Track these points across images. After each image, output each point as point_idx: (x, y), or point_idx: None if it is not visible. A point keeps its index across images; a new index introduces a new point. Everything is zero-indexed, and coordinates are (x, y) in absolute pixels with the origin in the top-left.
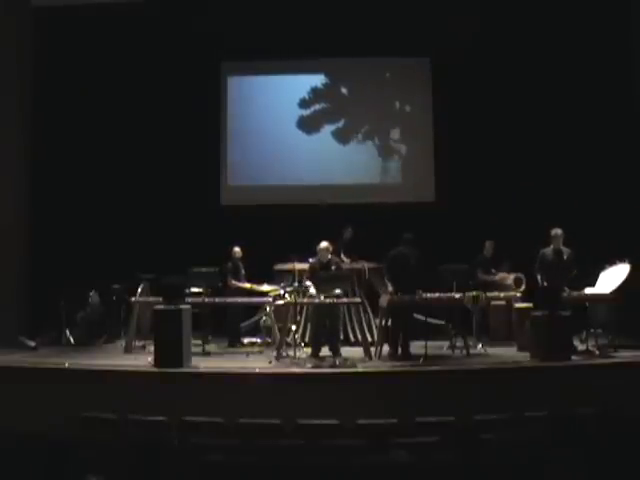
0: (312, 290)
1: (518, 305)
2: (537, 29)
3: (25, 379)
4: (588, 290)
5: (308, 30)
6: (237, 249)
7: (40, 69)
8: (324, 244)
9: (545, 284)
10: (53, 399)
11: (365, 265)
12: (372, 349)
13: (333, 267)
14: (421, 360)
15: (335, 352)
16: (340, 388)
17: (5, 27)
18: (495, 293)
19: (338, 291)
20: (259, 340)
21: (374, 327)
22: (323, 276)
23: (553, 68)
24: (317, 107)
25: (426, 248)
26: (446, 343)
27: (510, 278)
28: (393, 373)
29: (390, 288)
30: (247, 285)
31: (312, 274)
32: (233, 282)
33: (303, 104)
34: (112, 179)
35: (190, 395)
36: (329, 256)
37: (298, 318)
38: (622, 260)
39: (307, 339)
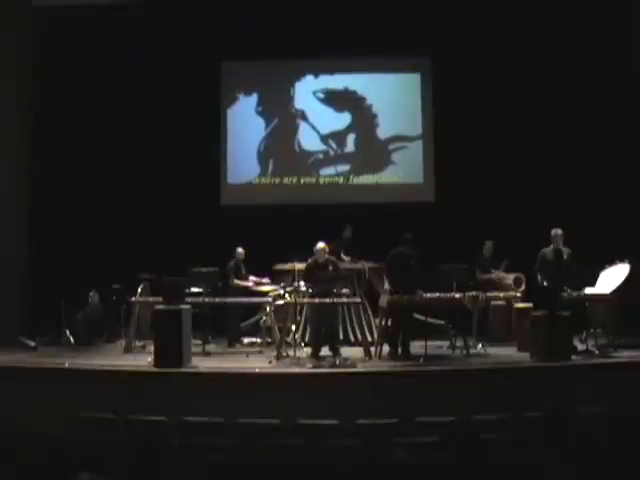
0: (303, 289)
1: (518, 305)
2: (538, 29)
3: (25, 379)
4: (588, 290)
5: (308, 30)
6: (240, 250)
7: (40, 69)
8: (321, 244)
9: (545, 284)
10: (53, 399)
11: (365, 265)
12: (372, 349)
13: (330, 267)
14: (421, 360)
15: (335, 352)
16: (340, 388)
17: (5, 27)
18: (495, 293)
19: (345, 290)
20: (259, 340)
21: (374, 327)
22: (321, 276)
23: (553, 68)
24: (317, 107)
25: (426, 248)
26: (446, 343)
27: (510, 278)
28: (393, 373)
29: (387, 286)
30: (250, 284)
31: (307, 274)
32: (236, 282)
33: (303, 106)
34: (112, 179)
35: (190, 395)
36: (326, 256)
37: (298, 318)
38: (622, 260)
39: (307, 339)
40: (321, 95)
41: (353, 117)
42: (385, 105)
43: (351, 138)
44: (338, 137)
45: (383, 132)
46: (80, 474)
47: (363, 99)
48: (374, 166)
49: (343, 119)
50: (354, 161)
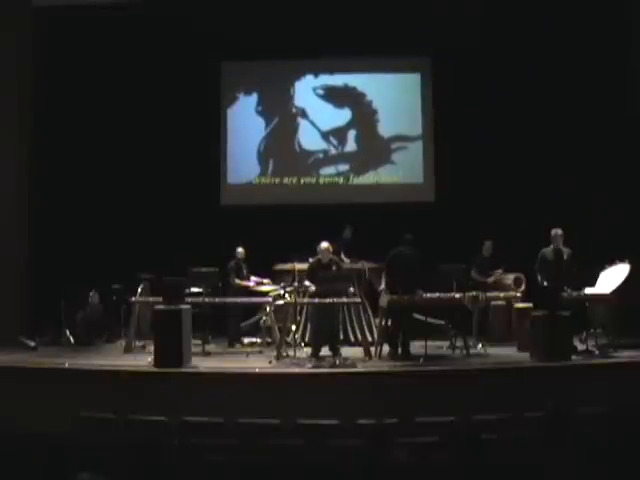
0: (312, 288)
1: (518, 305)
2: (538, 28)
3: (25, 379)
4: (588, 290)
5: (308, 30)
6: (240, 249)
7: (40, 69)
8: (325, 244)
9: (545, 284)
10: (53, 399)
11: (365, 265)
12: (372, 349)
13: (334, 267)
14: (421, 360)
15: (335, 352)
16: (340, 388)
17: (5, 27)
18: (495, 293)
19: (351, 289)
20: (259, 340)
21: (374, 327)
22: (324, 276)
23: (553, 67)
24: (317, 107)
25: (426, 248)
26: (446, 343)
27: (510, 278)
28: (393, 373)
29: (383, 285)
30: (251, 284)
31: (310, 274)
32: (237, 281)
33: (303, 104)
34: (112, 179)
35: (190, 395)
36: (330, 256)
37: (298, 318)
38: (622, 260)
39: (307, 339)
40: (321, 92)
41: (353, 117)
42: (385, 105)
43: (351, 135)
44: (339, 134)
45: (383, 131)
46: (80, 474)
47: (363, 95)
48: (374, 165)
49: (343, 115)
50: (354, 160)
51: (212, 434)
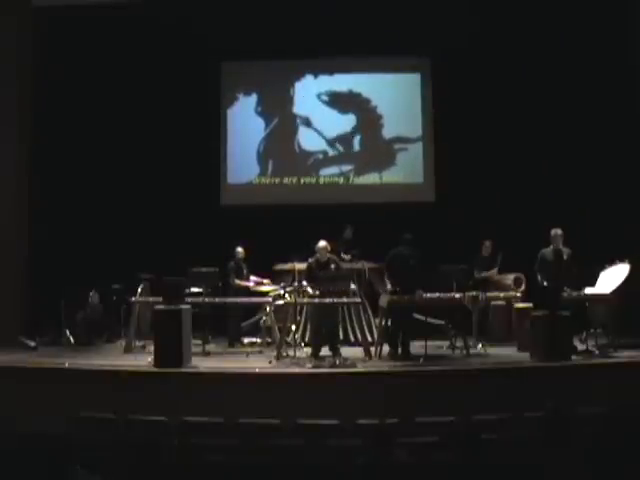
0: (309, 289)
1: (518, 305)
2: (538, 28)
3: (25, 379)
4: (588, 290)
5: (307, 30)
6: (240, 249)
7: (40, 69)
8: (322, 243)
9: (545, 284)
10: (53, 399)
11: (365, 265)
12: (372, 349)
13: (332, 266)
14: (421, 360)
15: (335, 352)
16: (340, 388)
17: (5, 27)
18: (495, 293)
19: (353, 286)
20: (259, 340)
21: (374, 327)
22: (323, 276)
23: (553, 68)
24: (317, 107)
25: (426, 248)
26: (446, 343)
27: (510, 278)
28: (393, 373)
29: (389, 286)
30: (250, 284)
31: (309, 273)
32: (237, 281)
33: (303, 104)
34: (112, 179)
35: (190, 395)
36: (327, 255)
37: (298, 318)
38: (622, 260)
39: (307, 339)
40: (321, 95)
41: (353, 117)
42: (386, 106)
43: (351, 137)
44: (338, 136)
45: (382, 132)
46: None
47: (362, 99)
48: (375, 167)
49: (343, 119)
50: (355, 161)
51: (212, 434)
